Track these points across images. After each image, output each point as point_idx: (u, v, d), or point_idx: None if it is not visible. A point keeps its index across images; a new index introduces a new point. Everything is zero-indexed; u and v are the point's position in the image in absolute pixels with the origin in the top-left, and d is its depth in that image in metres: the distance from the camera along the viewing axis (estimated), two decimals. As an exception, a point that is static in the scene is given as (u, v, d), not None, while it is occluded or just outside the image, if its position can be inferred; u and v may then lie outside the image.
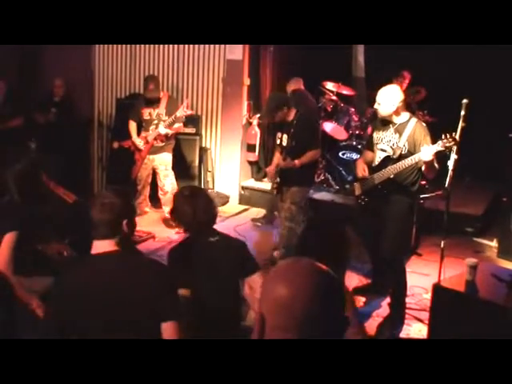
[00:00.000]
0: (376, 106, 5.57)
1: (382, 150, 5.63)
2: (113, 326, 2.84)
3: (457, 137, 5.05)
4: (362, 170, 5.77)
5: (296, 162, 6.48)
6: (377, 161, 5.69)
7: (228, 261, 3.88)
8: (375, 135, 5.74)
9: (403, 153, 5.44)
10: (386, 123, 5.63)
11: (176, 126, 7.83)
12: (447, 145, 5.07)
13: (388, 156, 5.56)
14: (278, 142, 6.81)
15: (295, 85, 9.10)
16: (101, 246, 2.97)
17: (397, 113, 5.48)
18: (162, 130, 7.72)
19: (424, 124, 5.61)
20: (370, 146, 5.94)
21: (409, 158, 5.35)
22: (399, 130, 5.50)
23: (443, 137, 5.10)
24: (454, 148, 5.07)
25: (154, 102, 7.93)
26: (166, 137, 7.89)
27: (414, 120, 5.52)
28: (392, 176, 5.49)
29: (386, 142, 5.59)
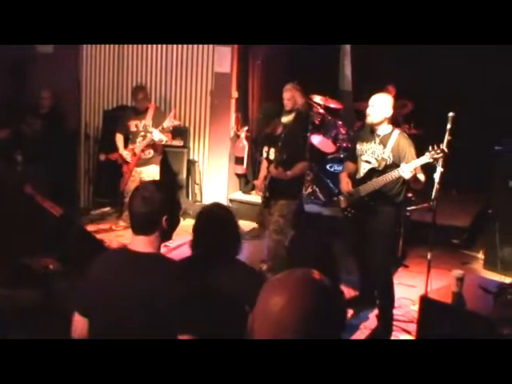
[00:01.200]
0: (369, 109, 5.54)
1: (367, 162, 5.65)
2: (124, 329, 2.75)
3: (446, 149, 5.08)
4: (346, 185, 5.78)
5: (288, 173, 6.46)
6: (362, 172, 5.70)
7: (233, 293, 3.29)
8: (359, 147, 5.75)
9: (388, 164, 5.47)
10: (369, 135, 5.67)
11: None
12: (435, 156, 5.11)
13: (373, 168, 5.58)
14: (265, 155, 6.81)
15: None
16: (137, 242, 2.88)
17: (388, 121, 5.52)
18: (157, 134, 7.61)
19: (406, 135, 5.65)
20: (351, 157, 5.97)
21: (389, 174, 5.39)
22: (383, 142, 5.53)
23: (430, 148, 5.14)
24: (441, 161, 5.10)
25: (140, 114, 7.91)
26: (154, 148, 7.84)
27: (397, 131, 5.57)
28: (378, 187, 5.52)
29: (370, 154, 5.62)
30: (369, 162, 5.63)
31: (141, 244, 2.87)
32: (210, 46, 9.20)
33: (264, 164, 6.91)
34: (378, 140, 5.57)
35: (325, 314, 1.69)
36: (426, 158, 5.16)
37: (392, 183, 5.50)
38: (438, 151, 5.08)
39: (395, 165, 5.39)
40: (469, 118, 7.90)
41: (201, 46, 9.25)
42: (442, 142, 5.11)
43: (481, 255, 7.60)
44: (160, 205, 2.85)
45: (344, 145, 9.35)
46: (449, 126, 5.14)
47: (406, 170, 5.19)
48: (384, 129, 5.55)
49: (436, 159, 5.13)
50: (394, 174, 5.37)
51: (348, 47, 10.78)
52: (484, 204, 8.36)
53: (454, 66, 9.76)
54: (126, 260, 2.92)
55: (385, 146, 5.51)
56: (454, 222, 8.24)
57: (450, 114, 5.16)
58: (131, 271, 2.84)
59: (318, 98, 9.64)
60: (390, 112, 5.49)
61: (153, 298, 2.73)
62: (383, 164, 5.48)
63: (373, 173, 5.57)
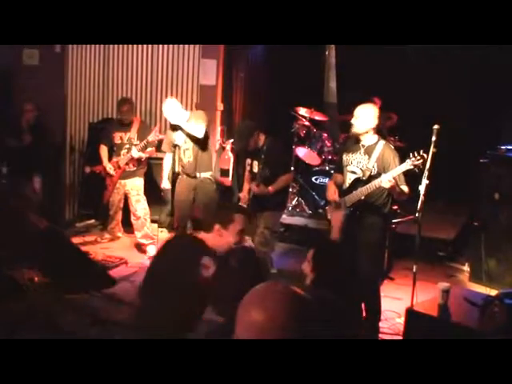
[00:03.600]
0: (353, 120, 5.57)
1: (352, 172, 5.67)
2: None
3: (425, 155, 5.12)
4: (332, 193, 5.79)
5: (270, 188, 6.48)
6: (347, 183, 5.71)
7: None
8: (345, 157, 5.77)
9: (372, 174, 5.49)
10: (355, 145, 5.69)
11: (149, 149, 7.80)
12: (416, 163, 5.14)
13: (358, 178, 5.59)
14: (249, 168, 6.81)
15: None
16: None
17: (373, 131, 5.53)
18: (135, 153, 7.67)
19: (392, 146, 5.69)
20: (339, 169, 5.98)
21: (370, 183, 5.41)
22: (368, 152, 5.56)
23: (411, 155, 5.17)
24: (426, 173, 5.11)
25: (125, 126, 7.90)
26: (139, 161, 7.85)
27: (382, 142, 5.59)
28: (363, 197, 5.53)
29: (355, 164, 5.64)
30: (354, 173, 5.65)
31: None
32: (196, 58, 9.22)
33: (248, 176, 6.91)
34: (363, 150, 5.60)
35: (303, 324, 1.70)
36: (407, 165, 5.21)
37: (377, 194, 5.51)
38: (418, 157, 5.12)
39: (379, 175, 5.41)
40: (454, 130, 7.93)
41: (186, 58, 9.26)
42: (427, 154, 5.13)
43: (466, 268, 7.61)
44: None
45: (329, 157, 9.37)
46: (434, 139, 5.16)
47: (385, 179, 5.23)
48: (369, 139, 5.57)
49: (416, 165, 5.16)
50: (374, 184, 5.39)
51: (333, 59, 10.82)
52: (469, 216, 8.39)
53: (439, 77, 9.83)
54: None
55: (370, 157, 5.53)
56: (439, 235, 8.27)
57: (435, 127, 5.18)
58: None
59: (303, 111, 9.67)
60: (374, 122, 5.52)
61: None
62: (367, 174, 5.50)
63: (357, 183, 5.58)
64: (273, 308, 1.69)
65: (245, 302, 1.77)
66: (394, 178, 5.25)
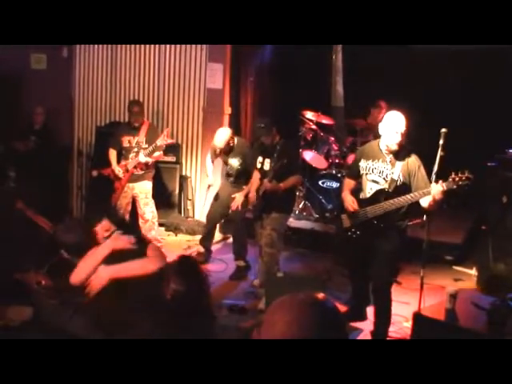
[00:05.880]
0: (399, 137, 5.28)
1: (374, 181, 5.46)
2: None
3: (470, 175, 4.91)
4: (351, 204, 5.54)
5: (281, 184, 6.45)
6: (368, 192, 5.50)
7: None
8: (363, 164, 5.53)
9: (398, 185, 5.30)
10: (376, 152, 5.47)
11: (156, 154, 7.81)
12: (460, 183, 4.92)
13: (382, 189, 5.38)
14: (259, 166, 6.79)
15: None
16: None
17: None
18: (142, 158, 7.68)
19: (416, 155, 5.42)
20: (352, 174, 5.77)
21: (416, 193, 5.16)
22: (391, 161, 5.36)
23: (453, 174, 4.95)
24: (433, 177, 5.07)
25: (134, 130, 7.91)
26: (146, 165, 7.86)
27: (405, 150, 5.39)
28: (391, 209, 5.31)
29: (377, 173, 5.42)
30: (376, 182, 5.44)
31: None
32: (202, 62, 9.24)
33: (256, 175, 6.87)
34: (385, 158, 5.38)
35: (326, 334, 1.71)
36: (451, 185, 4.95)
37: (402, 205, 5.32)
38: (464, 178, 4.91)
39: (404, 185, 5.25)
40: (462, 133, 7.91)
41: (193, 62, 9.29)
42: (435, 158, 5.07)
43: (474, 272, 7.58)
44: None
45: (336, 161, 9.36)
46: (441, 142, 5.11)
47: (438, 190, 4.97)
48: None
49: (460, 186, 4.93)
50: (419, 193, 5.13)
51: (340, 63, 10.82)
52: (476, 220, 8.36)
53: (446, 80, 9.81)
54: None
55: (393, 166, 5.32)
56: (446, 239, 8.23)
57: (443, 130, 5.13)
58: None
59: (310, 114, 9.66)
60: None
61: None
62: (393, 185, 5.29)
63: (381, 194, 5.37)
64: (299, 317, 1.71)
65: (271, 309, 1.80)
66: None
